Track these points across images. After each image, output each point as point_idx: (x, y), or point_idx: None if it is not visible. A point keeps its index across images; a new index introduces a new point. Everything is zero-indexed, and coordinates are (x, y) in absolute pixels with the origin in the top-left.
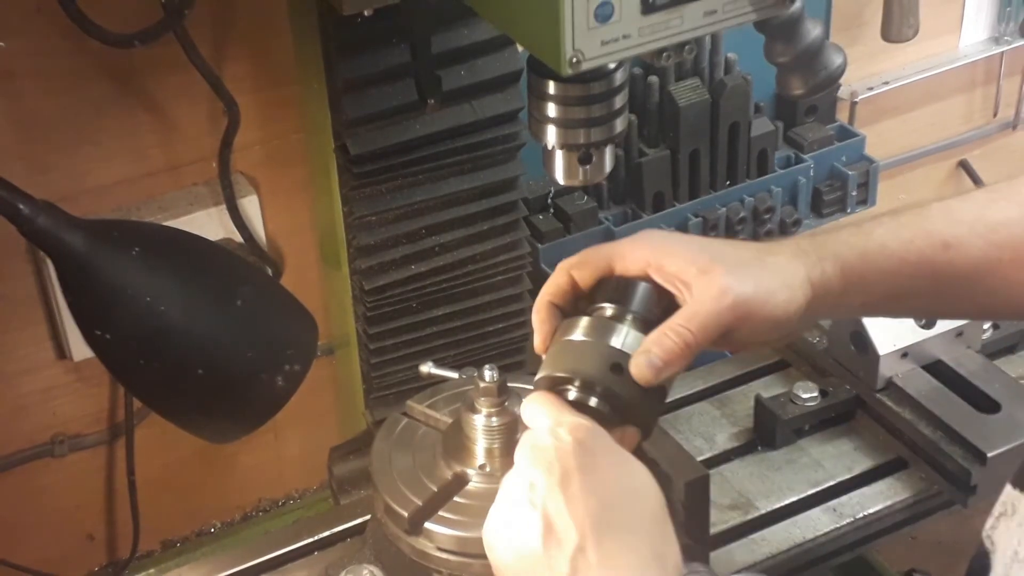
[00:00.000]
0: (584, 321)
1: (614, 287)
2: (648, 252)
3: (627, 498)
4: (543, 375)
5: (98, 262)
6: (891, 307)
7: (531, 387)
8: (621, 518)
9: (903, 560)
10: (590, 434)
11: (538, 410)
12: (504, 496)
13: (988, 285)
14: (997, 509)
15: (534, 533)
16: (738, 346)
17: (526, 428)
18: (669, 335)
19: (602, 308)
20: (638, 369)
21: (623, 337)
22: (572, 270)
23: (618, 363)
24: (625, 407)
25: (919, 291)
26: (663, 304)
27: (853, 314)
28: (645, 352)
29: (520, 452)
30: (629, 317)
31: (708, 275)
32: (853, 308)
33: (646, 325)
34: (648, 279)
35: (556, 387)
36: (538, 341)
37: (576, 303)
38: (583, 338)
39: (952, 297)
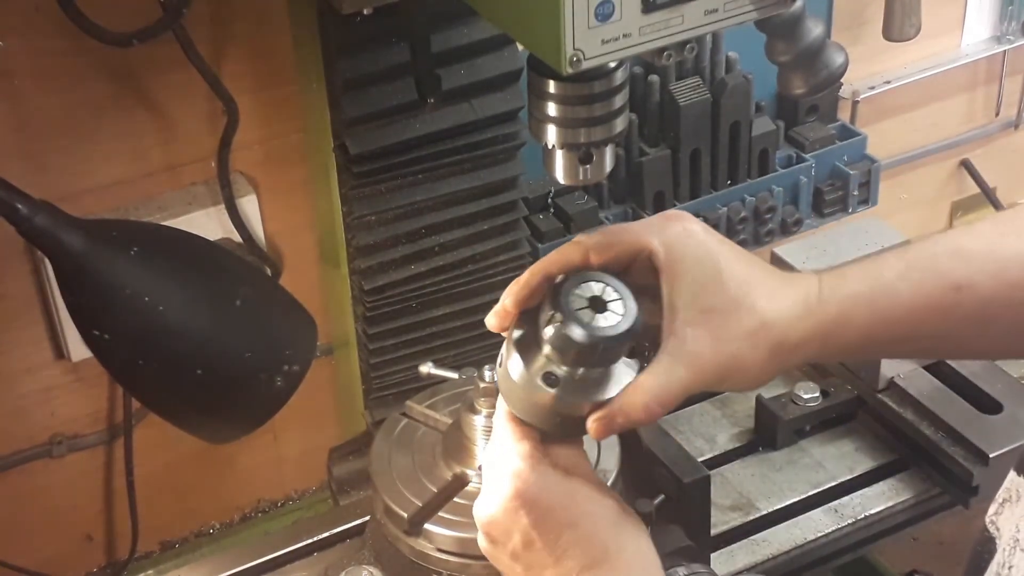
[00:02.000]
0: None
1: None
2: (664, 250)
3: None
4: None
5: (96, 262)
6: (894, 351)
7: None
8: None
9: (905, 561)
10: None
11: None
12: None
13: (1000, 326)
14: (1001, 495)
15: None
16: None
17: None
18: (636, 403)
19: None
20: (595, 427)
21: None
22: (592, 252)
23: (567, 416)
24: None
25: (928, 333)
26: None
27: (852, 356)
28: (607, 418)
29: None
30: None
31: (693, 331)
32: (853, 352)
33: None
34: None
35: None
36: (508, 302)
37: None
38: (523, 383)
39: (962, 338)
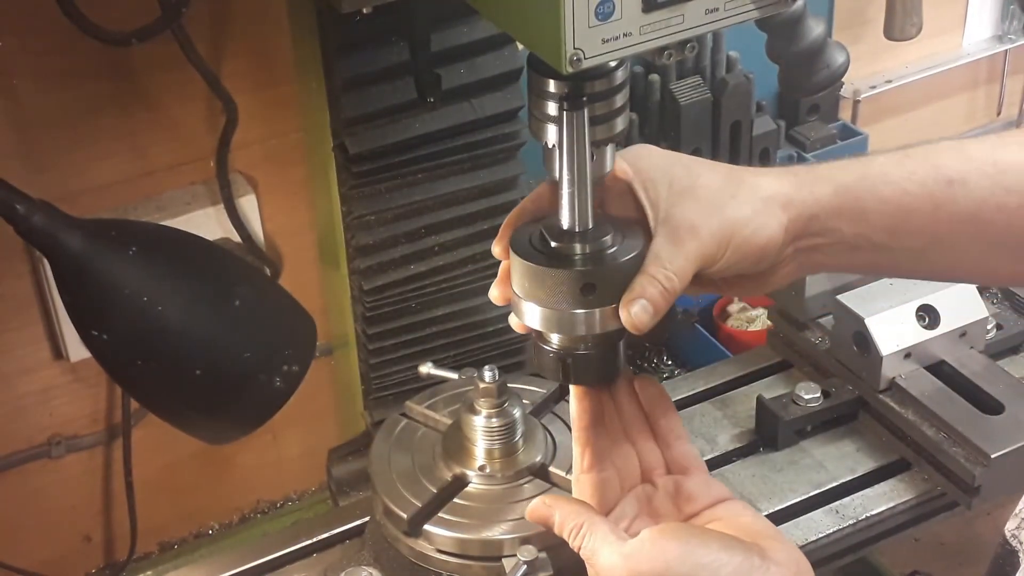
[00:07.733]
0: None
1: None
2: (629, 166)
3: None
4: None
5: (95, 262)
6: (886, 244)
7: (531, 388)
8: None
9: (906, 562)
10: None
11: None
12: None
13: (991, 232)
14: (1023, 510)
15: None
16: (722, 284)
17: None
18: (658, 278)
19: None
20: (631, 317)
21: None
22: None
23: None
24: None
25: (918, 227)
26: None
27: (846, 257)
28: (638, 299)
29: None
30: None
31: (681, 210)
32: (846, 239)
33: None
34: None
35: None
36: (498, 250)
37: None
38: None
39: (951, 242)
